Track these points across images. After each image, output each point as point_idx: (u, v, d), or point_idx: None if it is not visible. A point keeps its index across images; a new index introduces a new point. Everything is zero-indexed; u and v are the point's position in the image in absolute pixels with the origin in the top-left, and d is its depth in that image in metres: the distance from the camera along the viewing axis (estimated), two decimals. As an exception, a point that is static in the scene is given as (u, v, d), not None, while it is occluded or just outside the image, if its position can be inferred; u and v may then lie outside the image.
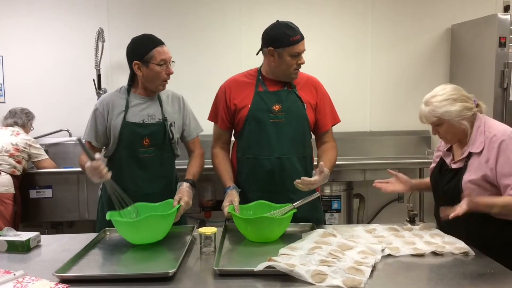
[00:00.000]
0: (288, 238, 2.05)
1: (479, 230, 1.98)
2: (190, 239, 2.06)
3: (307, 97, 2.39)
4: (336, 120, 2.50)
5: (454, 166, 2.08)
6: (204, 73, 4.17)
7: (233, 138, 2.52)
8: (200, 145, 2.52)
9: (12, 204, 3.39)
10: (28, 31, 4.14)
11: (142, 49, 2.28)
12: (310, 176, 2.16)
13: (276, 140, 2.33)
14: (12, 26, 4.12)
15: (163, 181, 2.41)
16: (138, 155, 2.34)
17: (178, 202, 2.14)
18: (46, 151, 3.79)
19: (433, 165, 2.28)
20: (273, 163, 2.33)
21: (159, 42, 2.31)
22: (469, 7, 4.21)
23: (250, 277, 1.65)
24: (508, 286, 1.61)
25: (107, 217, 2.00)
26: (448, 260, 1.82)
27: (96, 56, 3.98)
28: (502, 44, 3.61)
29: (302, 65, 2.34)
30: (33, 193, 3.58)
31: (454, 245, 1.92)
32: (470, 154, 2.02)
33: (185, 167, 2.47)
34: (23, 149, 3.50)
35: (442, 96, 2.00)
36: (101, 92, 4.05)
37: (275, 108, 2.34)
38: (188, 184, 2.27)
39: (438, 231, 2.11)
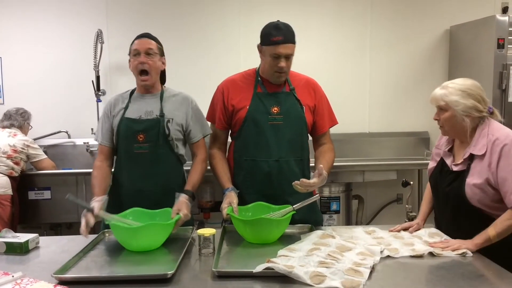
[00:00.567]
0: (287, 240, 2.04)
1: (479, 231, 1.96)
2: (189, 240, 2.06)
3: (305, 99, 2.38)
4: (333, 122, 2.49)
5: (455, 168, 2.06)
6: (203, 74, 4.18)
7: (229, 139, 2.51)
8: (205, 149, 2.46)
9: (10, 205, 3.39)
10: (27, 33, 4.14)
11: (130, 46, 2.37)
12: (308, 178, 2.16)
13: (274, 143, 2.32)
14: (11, 27, 4.13)
15: (158, 178, 2.36)
16: (132, 150, 2.32)
17: (177, 214, 2.11)
18: (45, 152, 3.79)
19: (432, 164, 2.26)
20: (271, 165, 2.32)
21: (138, 36, 2.37)
22: (467, 8, 4.22)
23: (248, 278, 1.65)
24: (506, 287, 1.61)
25: (106, 221, 2.01)
26: (447, 261, 1.82)
27: (95, 57, 3.98)
28: (500, 45, 3.62)
29: (284, 71, 2.27)
30: (32, 195, 3.58)
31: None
32: (472, 156, 2.00)
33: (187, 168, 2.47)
34: (21, 150, 3.49)
35: (460, 86, 2.00)
36: (100, 93, 4.06)
37: (273, 110, 2.33)
38: (186, 196, 2.23)
39: (437, 231, 2.12)
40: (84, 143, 4.07)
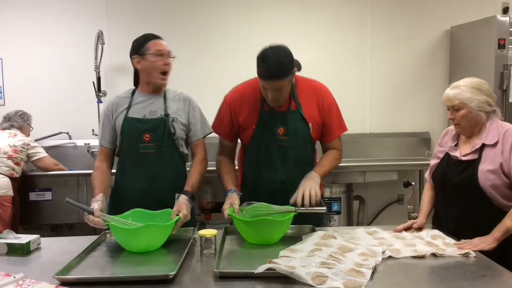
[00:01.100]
0: (289, 240, 2.04)
1: (488, 221, 2.01)
2: (191, 241, 2.06)
3: (312, 114, 2.33)
4: (343, 130, 2.44)
5: (465, 158, 2.12)
6: (203, 75, 4.18)
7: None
8: (204, 148, 2.47)
9: (11, 206, 3.39)
10: (28, 34, 4.15)
11: (139, 44, 2.36)
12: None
13: (279, 164, 2.33)
14: (12, 29, 4.13)
15: (164, 178, 2.37)
16: (138, 149, 2.33)
17: (177, 215, 2.11)
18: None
19: (435, 161, 2.29)
20: (275, 184, 2.34)
21: (154, 37, 2.37)
22: (468, 9, 4.22)
23: (250, 279, 1.65)
24: (509, 287, 1.61)
25: (105, 222, 2.01)
26: (449, 262, 1.81)
27: (96, 58, 3.99)
28: (501, 46, 3.62)
29: (273, 100, 2.22)
30: (33, 196, 3.58)
31: (455, 247, 1.93)
32: (483, 146, 2.08)
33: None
34: (21, 149, 3.50)
35: (472, 84, 2.11)
36: (100, 94, 4.06)
37: (280, 131, 2.30)
38: (186, 197, 2.23)
39: (439, 233, 2.11)
40: (85, 144, 4.07)
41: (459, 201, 2.12)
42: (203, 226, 3.80)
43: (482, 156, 2.07)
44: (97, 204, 2.07)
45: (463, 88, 2.09)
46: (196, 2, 4.20)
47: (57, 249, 2.05)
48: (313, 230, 2.15)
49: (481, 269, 1.75)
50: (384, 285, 1.62)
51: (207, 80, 4.15)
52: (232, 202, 2.16)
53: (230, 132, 2.43)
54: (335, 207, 3.75)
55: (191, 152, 2.48)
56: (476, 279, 1.66)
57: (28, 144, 3.56)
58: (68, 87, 4.19)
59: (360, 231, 2.16)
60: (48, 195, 3.58)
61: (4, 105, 4.15)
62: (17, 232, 2.10)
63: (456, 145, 2.21)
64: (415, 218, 2.29)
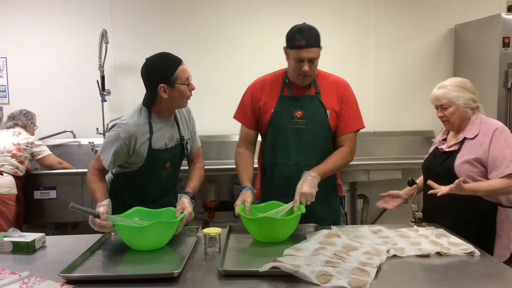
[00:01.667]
0: (293, 239, 2.04)
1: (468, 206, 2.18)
2: (195, 240, 2.06)
3: (331, 103, 2.35)
4: (359, 126, 2.40)
5: (447, 149, 2.32)
6: (207, 75, 4.17)
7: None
8: (203, 158, 2.54)
9: (15, 205, 3.40)
10: (32, 33, 4.16)
11: (166, 71, 2.17)
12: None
13: (295, 147, 2.33)
14: (16, 28, 4.14)
15: (172, 191, 2.49)
16: (159, 177, 2.35)
17: (181, 213, 2.13)
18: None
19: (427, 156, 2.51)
20: (290, 168, 2.33)
21: (180, 61, 2.21)
22: (472, 7, 4.20)
23: (255, 277, 1.65)
24: (514, 286, 1.61)
25: (113, 223, 2.01)
26: (454, 261, 1.81)
27: (100, 57, 3.99)
28: (506, 44, 3.61)
29: (308, 74, 2.26)
30: (38, 194, 3.59)
31: (460, 246, 1.92)
32: (464, 140, 2.26)
33: (182, 167, 2.52)
34: (25, 148, 3.51)
35: (457, 83, 2.29)
36: (104, 93, 4.06)
37: (297, 114, 2.33)
38: (188, 197, 2.26)
39: (444, 232, 2.11)
40: (89, 142, 4.08)
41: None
42: (207, 224, 3.81)
43: (462, 148, 2.25)
44: (103, 208, 2.07)
45: (450, 88, 2.27)
46: (199, 2, 4.20)
47: (62, 248, 2.06)
48: (317, 229, 2.15)
49: (485, 268, 1.75)
50: (388, 284, 1.62)
51: (211, 79, 4.15)
52: (244, 199, 2.17)
53: (252, 119, 2.43)
54: (339, 206, 3.74)
55: (189, 160, 2.52)
56: (480, 278, 1.66)
57: (32, 143, 3.57)
58: (72, 86, 4.20)
59: (365, 230, 2.16)
60: (52, 194, 3.59)
61: (8, 104, 4.17)
62: (21, 231, 2.11)
63: (444, 139, 2.40)
64: (420, 217, 2.30)
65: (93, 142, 4.07)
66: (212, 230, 1.94)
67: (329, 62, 4.23)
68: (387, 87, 4.33)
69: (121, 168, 2.36)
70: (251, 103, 2.42)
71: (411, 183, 2.40)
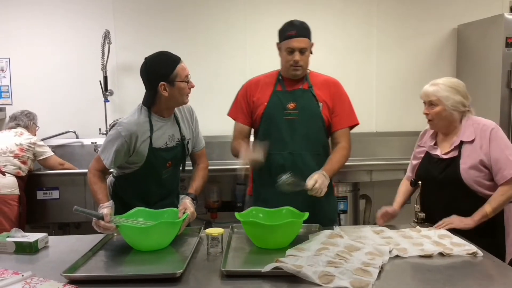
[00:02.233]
0: (295, 240, 2.04)
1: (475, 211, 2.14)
2: (197, 240, 2.07)
3: (323, 96, 2.42)
4: (353, 122, 2.49)
5: (446, 156, 2.24)
6: (209, 75, 4.18)
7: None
8: (206, 158, 2.54)
9: (17, 205, 3.41)
10: (35, 34, 4.16)
11: (166, 69, 2.19)
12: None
13: (288, 137, 2.39)
14: (19, 28, 4.15)
15: (174, 192, 2.49)
16: (161, 176, 2.35)
17: (184, 213, 2.13)
18: (53, 152, 3.80)
19: (416, 161, 2.41)
20: (284, 158, 2.38)
21: (179, 59, 2.24)
22: (475, 7, 4.19)
23: (257, 278, 1.65)
24: (517, 287, 1.60)
25: (114, 223, 2.01)
26: (456, 261, 1.81)
27: (103, 57, 4.00)
28: (509, 44, 3.60)
29: (299, 65, 2.35)
30: (40, 194, 3.59)
31: (463, 247, 1.92)
32: (461, 144, 2.20)
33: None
34: (27, 148, 3.51)
35: (450, 83, 2.22)
36: (107, 93, 4.07)
37: (290, 106, 2.40)
38: (189, 198, 2.27)
39: (446, 232, 2.10)
40: (92, 143, 4.08)
41: (445, 196, 2.23)
42: (209, 225, 3.81)
43: (462, 153, 2.19)
44: (106, 209, 2.07)
45: (442, 87, 2.21)
46: (201, 2, 4.20)
47: (65, 248, 2.06)
48: (320, 230, 2.15)
49: (488, 269, 1.74)
50: (391, 285, 1.61)
51: (213, 79, 4.15)
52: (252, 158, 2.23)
53: (246, 114, 2.50)
54: (341, 206, 3.74)
55: (193, 160, 2.52)
56: (483, 279, 1.66)
57: (34, 143, 3.57)
58: (75, 86, 4.21)
59: (367, 230, 2.15)
60: (55, 194, 3.59)
61: (11, 104, 4.17)
62: (24, 231, 2.11)
63: (435, 144, 2.32)
64: (423, 218, 2.30)
65: (95, 143, 4.07)
66: (215, 231, 1.94)
67: (331, 61, 4.28)
68: (389, 87, 4.33)
69: (121, 169, 2.36)
70: (246, 99, 2.49)
71: (414, 183, 2.40)
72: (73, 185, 3.59)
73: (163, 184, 2.39)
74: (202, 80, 4.15)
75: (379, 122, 4.35)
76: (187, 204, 2.20)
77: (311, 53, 2.41)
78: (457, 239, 2.01)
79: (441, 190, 2.24)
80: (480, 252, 1.86)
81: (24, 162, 3.48)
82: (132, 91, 4.12)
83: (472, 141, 2.18)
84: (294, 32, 2.32)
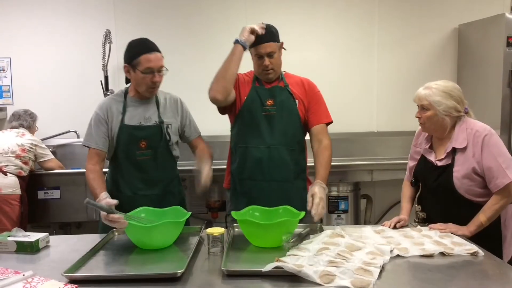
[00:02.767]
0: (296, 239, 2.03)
1: (469, 219, 2.13)
2: (198, 239, 2.07)
3: (299, 94, 2.51)
4: (328, 119, 2.54)
5: (440, 163, 2.21)
6: (210, 74, 4.15)
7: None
8: (203, 141, 2.56)
9: (19, 205, 3.41)
10: (35, 33, 4.17)
11: (132, 53, 2.30)
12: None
13: (266, 131, 2.45)
14: (20, 28, 4.15)
15: (161, 183, 2.43)
16: (135, 157, 2.35)
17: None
18: (53, 152, 3.82)
19: (412, 162, 2.41)
20: (262, 152, 2.45)
21: (150, 49, 2.28)
22: (476, 6, 4.19)
23: (258, 277, 1.65)
24: (518, 287, 1.60)
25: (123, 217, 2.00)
26: (457, 261, 1.81)
27: (104, 57, 4.00)
28: (510, 44, 3.59)
29: (270, 68, 2.42)
30: (41, 194, 3.60)
31: (463, 246, 1.92)
32: (454, 150, 2.17)
33: (187, 167, 2.57)
34: (29, 149, 3.52)
35: (443, 88, 2.17)
36: (108, 93, 4.07)
37: (268, 102, 2.47)
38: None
39: (447, 232, 2.10)
40: (93, 143, 4.08)
41: (440, 202, 2.24)
42: (210, 224, 3.81)
43: (455, 160, 2.16)
44: (104, 201, 2.05)
45: (434, 91, 2.16)
46: (203, 1, 4.20)
47: (66, 247, 2.07)
48: (321, 229, 2.15)
49: (489, 268, 1.74)
50: (392, 284, 1.61)
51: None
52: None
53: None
54: (342, 206, 3.74)
55: (192, 147, 2.54)
56: (484, 278, 1.66)
57: (36, 145, 3.57)
58: (76, 86, 4.21)
59: (368, 230, 2.15)
60: (56, 194, 3.60)
61: (12, 104, 4.18)
62: (25, 230, 2.11)
63: (430, 147, 2.30)
64: (423, 217, 2.29)
65: (96, 142, 4.07)
66: (215, 230, 1.94)
67: (332, 61, 4.28)
68: (390, 86, 4.32)
69: (108, 156, 2.40)
70: None
71: (414, 183, 2.40)
72: (74, 185, 3.59)
73: (143, 168, 2.37)
74: (204, 79, 4.12)
75: (380, 121, 4.35)
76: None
77: (284, 49, 2.49)
78: (457, 239, 2.01)
79: (435, 197, 2.25)
80: (481, 252, 1.86)
81: (25, 162, 3.49)
82: (133, 90, 4.12)
83: (464, 148, 2.14)
84: (259, 38, 2.38)
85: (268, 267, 1.65)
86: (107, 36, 3.96)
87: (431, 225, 2.16)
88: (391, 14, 4.26)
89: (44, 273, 1.71)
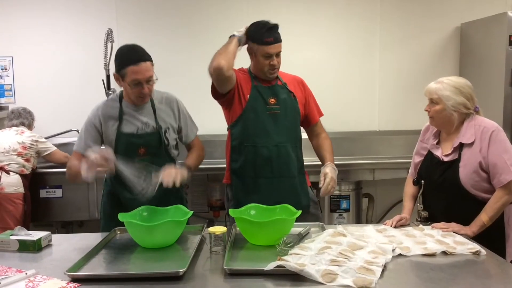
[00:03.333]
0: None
1: (474, 215, 2.13)
2: (200, 238, 2.06)
3: (297, 92, 2.58)
4: (321, 114, 2.70)
5: (446, 159, 2.22)
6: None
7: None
8: (200, 143, 2.57)
9: (22, 203, 3.42)
10: (37, 33, 4.17)
11: (120, 63, 2.24)
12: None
13: (273, 130, 2.49)
14: (22, 27, 4.16)
15: (160, 187, 2.38)
16: (133, 162, 2.31)
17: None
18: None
19: (418, 158, 2.41)
20: (271, 150, 2.49)
21: (135, 60, 2.19)
22: (478, 5, 4.18)
23: (260, 276, 1.65)
24: (520, 286, 1.60)
25: (120, 218, 2.00)
26: (460, 260, 1.81)
27: (105, 56, 4.00)
28: (512, 42, 3.59)
29: (275, 67, 2.47)
30: (44, 193, 3.61)
31: (466, 245, 1.91)
32: (461, 146, 2.17)
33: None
34: (30, 146, 3.52)
35: (454, 83, 2.19)
36: (110, 92, 4.07)
37: (271, 101, 2.51)
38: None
39: (450, 231, 2.10)
40: (95, 142, 4.09)
41: (445, 198, 2.23)
42: (212, 223, 3.81)
43: (461, 156, 2.17)
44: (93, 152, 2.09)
45: (445, 85, 2.18)
46: (204, 1, 4.19)
47: (68, 246, 2.07)
48: (323, 228, 2.15)
49: (491, 268, 1.74)
50: (394, 283, 1.61)
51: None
52: None
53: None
54: (344, 205, 3.74)
55: (188, 147, 2.54)
56: (486, 277, 1.66)
57: (37, 141, 3.58)
58: (77, 85, 4.21)
59: (370, 229, 2.15)
60: (58, 192, 3.61)
61: (14, 102, 4.19)
62: (28, 229, 2.12)
63: (437, 143, 2.30)
64: (426, 216, 2.29)
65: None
66: (217, 229, 1.94)
67: (334, 60, 4.28)
68: (392, 85, 4.32)
69: None
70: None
71: (417, 182, 2.39)
72: (76, 184, 3.58)
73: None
74: (205, 79, 4.15)
75: (382, 120, 4.35)
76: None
77: None
78: (460, 238, 2.01)
79: (440, 192, 2.24)
80: (483, 251, 1.86)
81: (27, 160, 3.49)
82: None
83: (471, 144, 2.15)
84: (271, 39, 2.40)
85: (270, 266, 1.65)
86: (109, 35, 3.96)
87: (433, 224, 2.16)
88: (393, 14, 4.26)
89: (46, 271, 1.71)
